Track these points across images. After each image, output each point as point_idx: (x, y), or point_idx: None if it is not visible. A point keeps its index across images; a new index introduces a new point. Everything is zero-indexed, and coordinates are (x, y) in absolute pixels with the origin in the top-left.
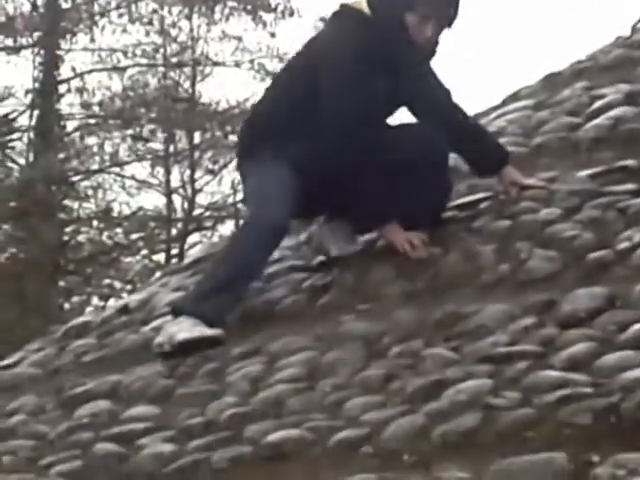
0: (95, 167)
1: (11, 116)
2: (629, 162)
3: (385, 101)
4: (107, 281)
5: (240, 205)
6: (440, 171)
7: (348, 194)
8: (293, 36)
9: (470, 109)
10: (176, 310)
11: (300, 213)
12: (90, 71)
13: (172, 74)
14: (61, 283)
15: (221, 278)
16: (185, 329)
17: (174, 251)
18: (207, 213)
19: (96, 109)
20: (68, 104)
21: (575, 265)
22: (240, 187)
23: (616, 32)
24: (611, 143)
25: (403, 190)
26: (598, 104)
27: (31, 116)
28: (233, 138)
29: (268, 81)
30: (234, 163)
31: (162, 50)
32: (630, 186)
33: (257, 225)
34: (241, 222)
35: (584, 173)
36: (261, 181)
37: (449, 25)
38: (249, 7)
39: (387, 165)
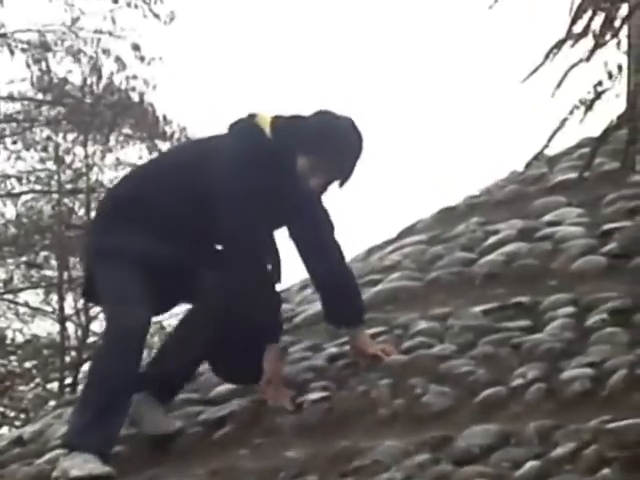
0: None
1: None
2: (523, 298)
3: (271, 220)
4: (0, 410)
5: None
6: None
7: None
8: None
9: (365, 243)
10: (67, 445)
11: (157, 308)
12: None
13: (66, 201)
14: None
15: (97, 403)
16: (77, 465)
17: (68, 380)
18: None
19: None
20: None
21: (470, 401)
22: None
23: (509, 167)
24: (505, 279)
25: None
26: (492, 239)
27: None
28: None
29: None
30: None
31: (56, 177)
32: (524, 322)
33: (116, 331)
34: None
35: (478, 309)
36: (114, 279)
37: (340, 184)
38: (144, 135)
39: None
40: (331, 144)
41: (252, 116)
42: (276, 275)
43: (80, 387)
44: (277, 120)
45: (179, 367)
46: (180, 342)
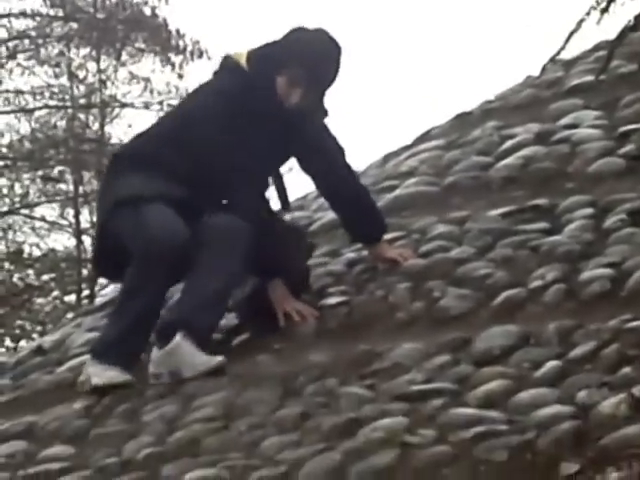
0: (5, 209)
1: None
2: (540, 201)
3: (268, 152)
4: (19, 322)
5: None
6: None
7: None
8: (202, 77)
9: (382, 149)
10: (92, 353)
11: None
12: None
13: (80, 116)
14: None
15: (130, 319)
16: (98, 373)
17: (85, 292)
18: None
19: (4, 151)
20: None
21: (488, 303)
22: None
23: (525, 72)
24: (522, 182)
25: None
26: (509, 144)
27: None
28: None
29: None
30: None
31: (70, 92)
32: (542, 225)
33: (151, 251)
34: None
35: (496, 212)
36: (141, 216)
37: (326, 88)
38: (157, 49)
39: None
40: (302, 54)
41: (227, 57)
42: (283, 202)
43: (98, 299)
44: (252, 51)
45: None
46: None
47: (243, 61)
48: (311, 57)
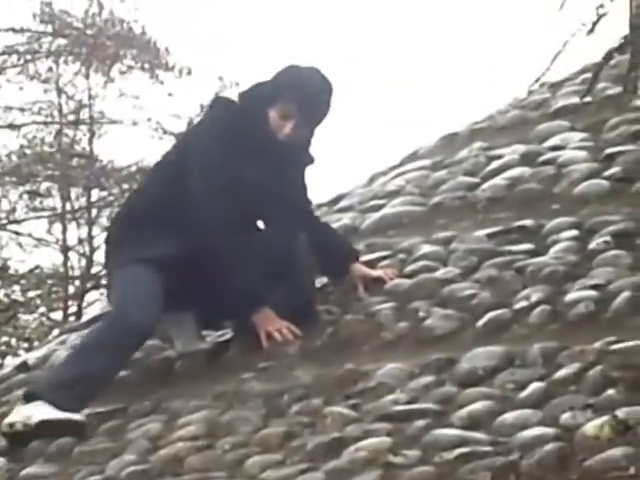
0: None
1: None
2: (526, 222)
3: (257, 189)
4: (4, 339)
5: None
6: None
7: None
8: (191, 95)
9: (370, 169)
10: (31, 395)
11: (169, 308)
12: None
13: (69, 132)
14: None
15: (74, 372)
16: (44, 412)
17: (72, 309)
18: (105, 271)
19: None
20: None
21: (473, 324)
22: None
23: (512, 93)
24: (508, 203)
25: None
26: (495, 164)
27: None
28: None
29: (166, 139)
30: None
31: (59, 108)
32: (527, 246)
33: (119, 326)
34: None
35: (482, 232)
36: (127, 280)
37: (316, 124)
38: (146, 66)
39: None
40: (293, 89)
41: (219, 97)
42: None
43: (84, 316)
44: (243, 92)
45: None
46: None
47: (234, 97)
48: (302, 92)
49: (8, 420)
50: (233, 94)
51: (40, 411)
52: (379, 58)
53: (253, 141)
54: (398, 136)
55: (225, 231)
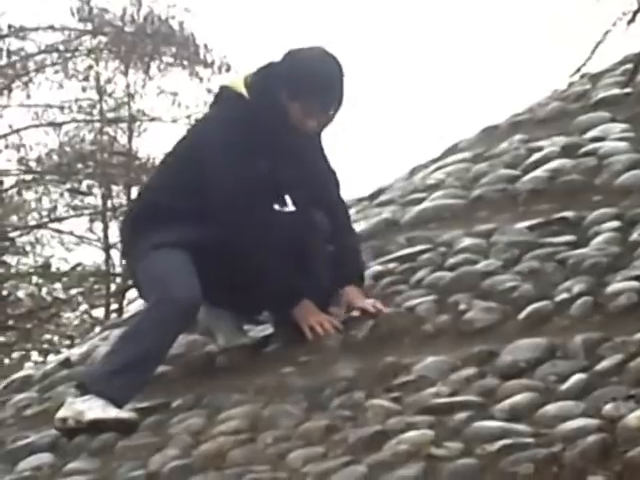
0: (33, 223)
1: None
2: (567, 214)
3: (270, 181)
4: (47, 336)
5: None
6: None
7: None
8: None
9: (410, 162)
10: (83, 387)
11: (208, 302)
12: (27, 127)
13: (109, 130)
14: (1, 338)
15: (129, 357)
16: (95, 408)
17: (114, 306)
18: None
19: (33, 165)
20: (6, 160)
21: (515, 316)
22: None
23: (552, 85)
24: (549, 195)
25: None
26: (535, 156)
27: None
28: None
29: None
30: None
31: (98, 106)
32: (568, 237)
33: (165, 305)
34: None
35: (522, 225)
36: (158, 264)
37: (330, 117)
38: (185, 63)
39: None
40: (312, 83)
41: (224, 87)
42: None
43: (126, 313)
44: (250, 78)
45: None
46: None
47: (242, 89)
48: (326, 90)
49: (60, 415)
50: (239, 83)
51: (92, 407)
52: (421, 51)
53: (267, 134)
54: (439, 129)
55: (251, 231)
